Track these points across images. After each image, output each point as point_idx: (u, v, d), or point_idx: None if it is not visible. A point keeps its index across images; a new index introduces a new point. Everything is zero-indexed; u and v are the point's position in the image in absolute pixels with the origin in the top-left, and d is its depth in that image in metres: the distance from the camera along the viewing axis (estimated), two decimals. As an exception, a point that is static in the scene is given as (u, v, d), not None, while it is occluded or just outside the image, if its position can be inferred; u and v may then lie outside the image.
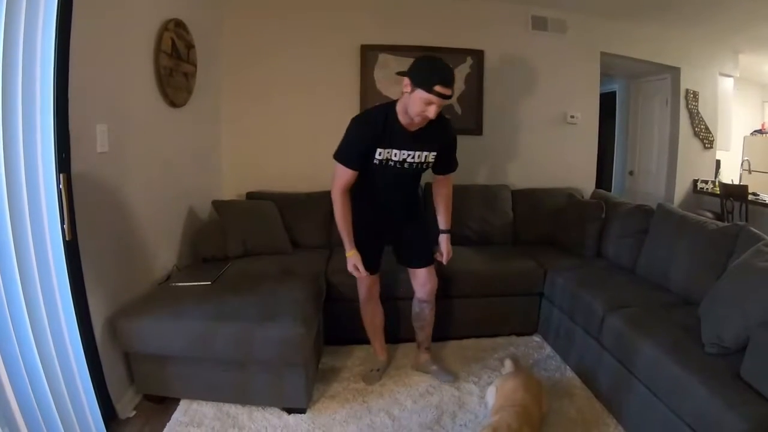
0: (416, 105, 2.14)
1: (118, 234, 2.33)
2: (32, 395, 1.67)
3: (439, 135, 2.38)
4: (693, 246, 2.59)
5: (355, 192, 2.44)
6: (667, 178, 4.68)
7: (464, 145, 4.03)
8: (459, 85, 4.01)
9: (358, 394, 2.51)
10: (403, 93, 2.21)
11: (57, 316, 1.80)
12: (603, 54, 4.21)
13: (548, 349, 3.03)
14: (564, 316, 2.89)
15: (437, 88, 2.07)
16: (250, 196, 3.72)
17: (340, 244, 3.56)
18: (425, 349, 2.76)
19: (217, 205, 3.26)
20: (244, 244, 3.13)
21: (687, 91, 4.62)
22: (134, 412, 2.33)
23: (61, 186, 1.83)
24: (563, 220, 3.57)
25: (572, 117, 4.16)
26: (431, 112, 2.13)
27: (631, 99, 5.25)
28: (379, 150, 2.30)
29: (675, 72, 4.64)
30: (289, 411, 2.33)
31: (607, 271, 3.04)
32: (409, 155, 2.35)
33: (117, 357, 2.28)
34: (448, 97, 2.13)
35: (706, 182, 4.81)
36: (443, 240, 2.61)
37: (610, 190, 5.20)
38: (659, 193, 4.71)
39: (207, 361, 2.27)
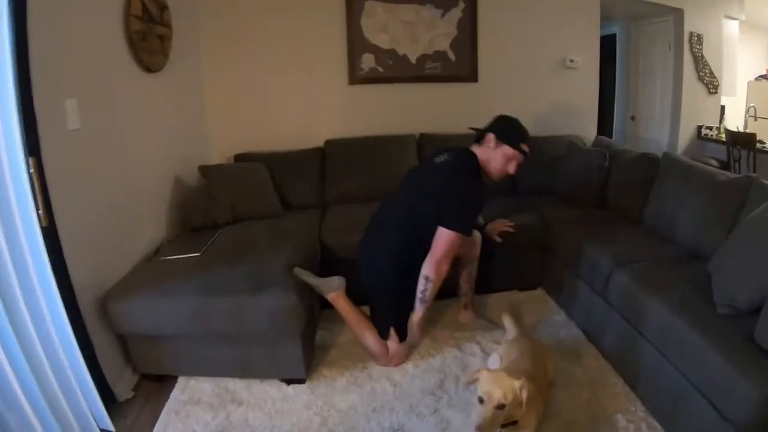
0: (500, 162, 2.32)
1: (100, 212, 2.20)
2: (18, 389, 1.60)
3: None
4: (701, 197, 2.49)
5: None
6: (670, 124, 4.53)
7: (459, 93, 3.91)
8: (451, 30, 3.81)
9: (358, 359, 2.46)
10: (483, 145, 2.36)
11: (38, 305, 1.72)
12: (603, -7, 3.96)
13: (552, 304, 2.97)
14: (568, 271, 2.81)
15: (523, 145, 2.32)
16: (239, 158, 3.59)
17: (334, 203, 3.53)
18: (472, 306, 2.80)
19: (204, 170, 3.11)
20: (233, 209, 3.00)
21: (691, 34, 4.40)
22: (133, 393, 2.27)
23: (31, 170, 1.71)
24: (564, 170, 3.44)
25: (572, 61, 3.96)
26: (512, 168, 2.34)
27: (632, 42, 5.01)
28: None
29: (678, 14, 4.39)
30: (288, 382, 2.28)
31: (611, 222, 2.94)
32: None
33: (111, 338, 2.20)
34: (527, 155, 2.35)
35: (711, 128, 4.65)
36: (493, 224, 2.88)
37: (611, 136, 5.06)
38: (662, 139, 4.58)
39: (202, 337, 2.21)
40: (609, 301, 2.37)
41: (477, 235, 2.68)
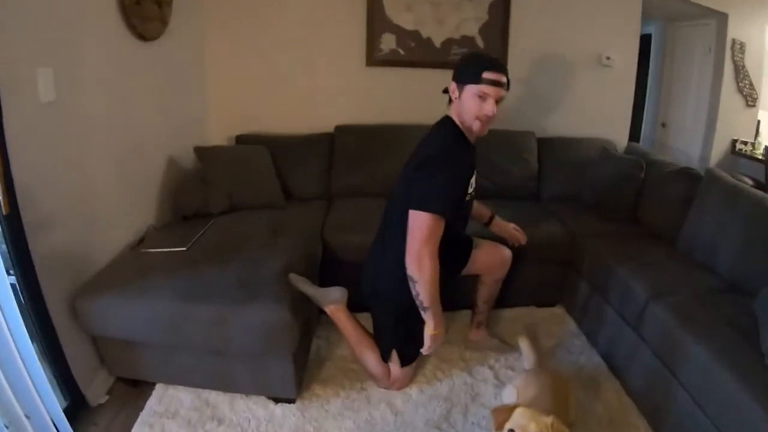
0: (470, 106, 1.87)
1: (77, 196, 1.95)
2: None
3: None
4: (747, 224, 2.22)
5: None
6: (704, 135, 4.20)
7: None
8: (482, 15, 3.49)
9: (355, 378, 2.22)
10: (452, 102, 1.96)
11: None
12: (645, -10, 3.63)
13: (572, 325, 2.71)
14: (594, 292, 2.55)
15: (486, 74, 1.82)
16: (240, 139, 3.31)
17: (340, 196, 3.26)
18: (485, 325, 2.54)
19: (200, 152, 2.84)
20: (229, 197, 2.74)
21: (734, 41, 4.05)
22: (107, 397, 2.06)
23: None
24: (595, 177, 3.15)
25: (608, 59, 3.64)
26: (489, 108, 1.85)
27: (669, 44, 4.66)
28: (472, 180, 2.04)
29: (722, 18, 4.05)
30: (277, 400, 2.05)
31: (644, 241, 2.67)
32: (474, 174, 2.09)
33: (84, 338, 1.98)
34: (503, 85, 1.86)
35: (746, 144, 4.33)
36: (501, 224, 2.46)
37: (638, 142, 4.76)
38: (694, 150, 4.26)
39: (180, 346, 1.96)
40: (642, 335, 2.11)
41: (506, 253, 2.36)
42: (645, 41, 4.84)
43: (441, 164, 1.87)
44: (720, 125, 4.15)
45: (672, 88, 4.66)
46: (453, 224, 1.97)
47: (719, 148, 4.23)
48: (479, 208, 2.42)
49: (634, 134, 4.74)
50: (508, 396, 1.92)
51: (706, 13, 4.11)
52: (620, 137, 3.71)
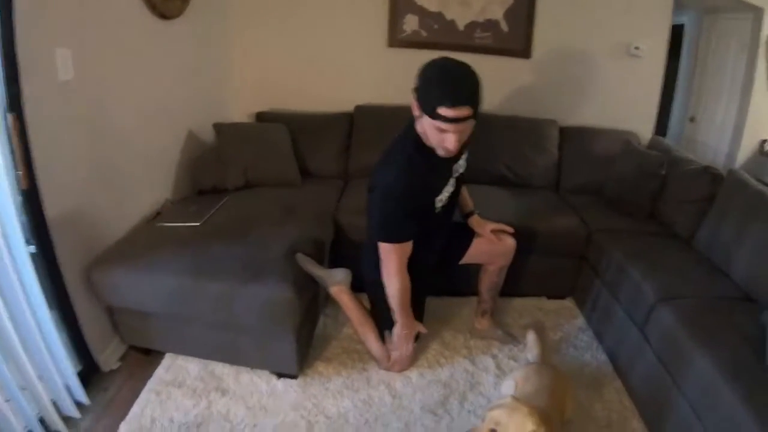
0: (431, 134, 1.70)
1: (94, 171, 1.99)
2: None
3: None
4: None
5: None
6: (732, 133, 4.03)
7: (508, 68, 3.54)
8: (507, -1, 3.40)
9: (358, 358, 2.27)
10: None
11: (8, 277, 1.54)
12: (679, -22, 3.48)
13: (581, 320, 2.70)
14: (605, 289, 2.52)
15: (442, 110, 1.58)
16: (261, 116, 3.34)
17: (357, 176, 3.27)
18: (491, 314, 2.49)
19: (218, 128, 2.86)
20: (245, 174, 2.77)
21: (768, 37, 3.85)
22: (119, 364, 2.15)
23: (10, 127, 1.54)
24: (616, 170, 3.08)
25: (636, 48, 3.52)
26: (450, 142, 1.67)
27: (702, 36, 4.45)
28: (438, 198, 1.94)
29: (758, 13, 3.82)
30: (280, 375, 2.11)
31: (659, 240, 2.62)
32: (455, 173, 2.02)
33: (100, 307, 2.06)
34: (465, 120, 1.61)
35: (774, 146, 4.14)
36: (480, 223, 2.29)
37: (665, 135, 4.62)
38: (722, 147, 4.11)
39: (188, 319, 2.03)
40: (647, 337, 2.10)
41: (509, 242, 2.29)
42: (677, 32, 4.66)
43: (391, 194, 1.80)
44: (750, 124, 3.98)
45: (704, 82, 4.47)
46: (430, 229, 2.02)
47: (747, 148, 4.07)
48: (464, 200, 2.31)
49: (661, 128, 4.63)
50: (507, 389, 1.89)
51: (743, 6, 3.87)
52: (645, 130, 3.61)
